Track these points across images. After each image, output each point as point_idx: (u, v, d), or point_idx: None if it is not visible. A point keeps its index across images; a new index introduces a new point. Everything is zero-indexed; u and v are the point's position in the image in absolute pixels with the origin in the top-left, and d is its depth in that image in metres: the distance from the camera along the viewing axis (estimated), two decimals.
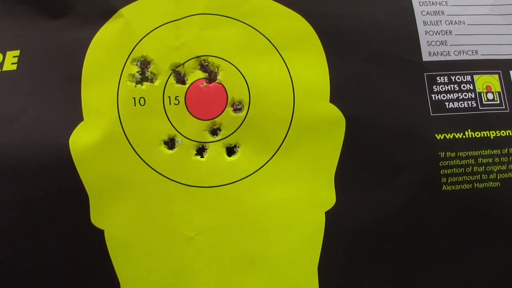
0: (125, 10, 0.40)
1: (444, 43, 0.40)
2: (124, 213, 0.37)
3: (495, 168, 0.38)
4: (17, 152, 0.38)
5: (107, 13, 0.40)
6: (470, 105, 0.39)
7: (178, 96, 0.39)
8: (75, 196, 0.37)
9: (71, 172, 0.37)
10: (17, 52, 0.41)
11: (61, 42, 0.40)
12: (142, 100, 0.38)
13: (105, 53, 0.39)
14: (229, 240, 0.38)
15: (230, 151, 0.39)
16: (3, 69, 0.40)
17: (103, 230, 0.37)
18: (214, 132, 0.39)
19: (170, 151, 0.38)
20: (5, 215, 0.38)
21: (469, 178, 0.38)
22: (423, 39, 0.40)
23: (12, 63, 0.40)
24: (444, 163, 0.38)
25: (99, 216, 0.37)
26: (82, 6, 0.41)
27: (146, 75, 0.39)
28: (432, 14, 0.41)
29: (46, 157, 0.38)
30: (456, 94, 0.39)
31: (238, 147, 0.38)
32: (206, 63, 0.39)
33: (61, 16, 0.41)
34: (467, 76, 0.40)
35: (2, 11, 0.42)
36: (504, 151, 0.39)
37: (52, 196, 0.38)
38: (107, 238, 0.37)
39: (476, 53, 0.40)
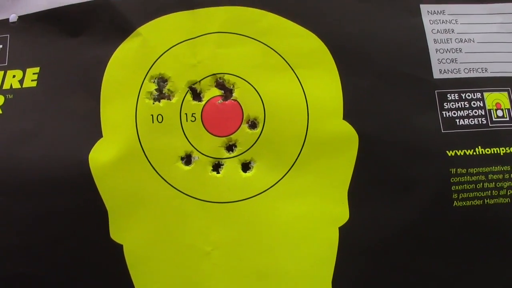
0: (143, 29, 0.41)
1: (454, 60, 0.41)
2: (143, 228, 0.38)
3: (505, 184, 0.39)
4: (37, 168, 0.39)
5: (125, 32, 0.41)
6: (480, 122, 0.40)
7: (194, 113, 0.40)
8: (94, 211, 0.38)
9: (90, 188, 0.38)
10: (36, 69, 0.42)
11: (80, 60, 0.41)
12: (159, 117, 0.39)
13: (124, 70, 0.40)
14: (245, 255, 0.38)
15: (246, 167, 0.40)
16: (23, 86, 0.41)
17: (122, 245, 0.38)
18: (230, 148, 0.40)
19: (187, 167, 0.39)
20: (25, 229, 0.39)
21: (479, 194, 0.39)
22: (433, 56, 0.41)
23: (32, 80, 0.41)
24: (455, 179, 0.39)
25: (118, 231, 0.38)
26: (100, 24, 0.41)
27: (164, 92, 0.40)
28: (442, 32, 0.42)
29: (66, 173, 0.39)
30: (467, 111, 0.40)
31: (254, 163, 0.39)
32: (222, 81, 0.40)
33: (80, 34, 0.42)
34: (477, 94, 0.41)
35: (22, 29, 0.43)
36: None
37: (72, 211, 0.38)
38: (126, 252, 0.38)
39: (486, 70, 0.41)
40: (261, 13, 0.41)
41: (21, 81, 0.41)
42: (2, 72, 0.42)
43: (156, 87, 0.40)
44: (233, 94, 0.40)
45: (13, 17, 0.43)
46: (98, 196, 0.38)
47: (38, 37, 0.42)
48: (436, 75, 0.41)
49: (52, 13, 0.42)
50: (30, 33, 0.42)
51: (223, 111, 0.40)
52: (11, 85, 0.41)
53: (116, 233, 0.38)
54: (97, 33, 0.41)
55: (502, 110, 0.40)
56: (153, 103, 0.40)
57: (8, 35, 0.43)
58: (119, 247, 0.38)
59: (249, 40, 0.41)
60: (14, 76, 0.41)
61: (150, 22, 0.41)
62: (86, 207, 0.38)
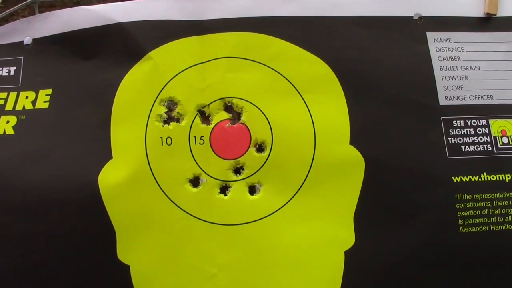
0: (154, 53, 0.41)
1: (460, 87, 0.42)
2: (150, 249, 0.39)
3: (510, 210, 0.39)
4: (48, 188, 0.39)
5: (136, 55, 0.42)
6: (485, 149, 0.40)
7: (203, 136, 0.40)
8: (102, 232, 0.38)
9: (99, 209, 0.39)
10: (49, 91, 0.42)
11: (92, 82, 0.42)
12: (169, 139, 0.40)
13: (134, 94, 0.41)
14: (251, 278, 0.38)
15: (253, 190, 0.40)
16: (36, 107, 0.42)
17: (129, 266, 0.38)
18: (237, 171, 0.40)
19: (195, 189, 0.39)
20: (35, 248, 0.39)
21: (485, 220, 0.39)
22: (439, 83, 0.42)
23: (44, 101, 0.42)
24: (461, 205, 0.39)
25: (125, 251, 0.38)
26: (113, 48, 0.42)
27: (173, 115, 0.41)
28: (448, 59, 0.43)
29: (76, 193, 0.39)
30: (472, 138, 0.41)
31: (261, 186, 0.40)
32: (230, 104, 0.41)
33: (92, 57, 0.43)
34: (483, 120, 0.41)
35: (36, 51, 0.44)
36: None
37: (81, 231, 0.39)
38: (132, 273, 0.38)
39: (491, 97, 0.42)
40: (270, 39, 0.42)
41: (33, 102, 0.42)
42: (15, 93, 0.42)
43: (166, 110, 0.41)
44: (241, 118, 0.41)
45: (27, 40, 0.44)
46: (107, 217, 0.38)
47: (52, 59, 0.43)
48: (442, 101, 0.41)
49: (66, 37, 0.43)
50: (43, 56, 0.43)
51: (231, 134, 0.40)
52: (23, 106, 0.42)
53: (123, 254, 0.38)
54: (109, 56, 0.42)
55: (507, 137, 0.41)
56: (163, 126, 0.40)
57: (22, 57, 0.44)
58: (126, 268, 0.38)
59: (257, 65, 0.41)
60: (27, 97, 0.42)
61: (161, 47, 0.41)
62: (94, 228, 0.38)
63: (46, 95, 0.42)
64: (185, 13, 0.43)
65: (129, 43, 0.42)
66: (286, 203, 0.39)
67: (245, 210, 0.39)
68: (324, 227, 0.39)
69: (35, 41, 0.44)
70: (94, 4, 0.43)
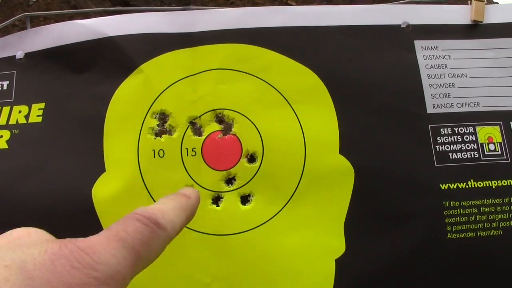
0: (145, 66, 0.42)
1: (447, 95, 0.43)
2: None
3: (497, 216, 0.40)
4: (41, 202, 0.40)
5: (128, 69, 0.42)
6: (472, 156, 0.41)
7: (195, 148, 0.41)
8: None
9: (93, 222, 0.39)
10: (42, 105, 0.43)
11: (84, 96, 0.42)
12: (161, 152, 0.41)
13: (126, 107, 0.41)
14: (244, 287, 0.39)
15: (245, 200, 0.41)
16: (29, 121, 0.42)
17: None
18: (229, 181, 0.41)
19: None
20: None
21: (472, 226, 0.40)
22: (427, 92, 0.43)
23: (38, 116, 0.43)
24: (449, 212, 0.40)
25: None
26: (104, 62, 0.43)
27: (165, 127, 0.41)
28: (435, 67, 0.43)
29: (69, 207, 0.40)
30: (459, 145, 0.41)
31: (252, 196, 0.40)
32: (221, 116, 0.42)
33: (84, 71, 0.43)
34: (470, 128, 0.42)
35: (28, 66, 0.44)
36: (505, 200, 0.40)
37: None
38: None
39: (478, 105, 0.42)
40: (260, 50, 0.42)
41: (26, 117, 0.42)
42: (9, 107, 0.43)
43: (158, 123, 0.41)
44: (233, 129, 0.41)
45: (19, 54, 0.44)
46: (101, 230, 0.39)
47: (44, 73, 0.44)
48: (430, 109, 0.42)
49: (58, 51, 0.44)
50: (36, 70, 0.44)
51: (222, 145, 0.41)
52: (17, 120, 0.42)
53: None
54: (101, 70, 0.43)
55: (494, 144, 0.42)
56: (155, 138, 0.41)
57: (15, 71, 0.44)
58: None
59: (248, 76, 0.42)
60: (20, 112, 0.43)
61: (152, 60, 0.42)
62: None
63: (39, 109, 0.43)
64: (176, 26, 0.43)
65: (120, 56, 0.42)
66: (278, 212, 0.40)
67: (237, 220, 0.40)
68: (315, 236, 0.40)
69: (27, 55, 0.44)
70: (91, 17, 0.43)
